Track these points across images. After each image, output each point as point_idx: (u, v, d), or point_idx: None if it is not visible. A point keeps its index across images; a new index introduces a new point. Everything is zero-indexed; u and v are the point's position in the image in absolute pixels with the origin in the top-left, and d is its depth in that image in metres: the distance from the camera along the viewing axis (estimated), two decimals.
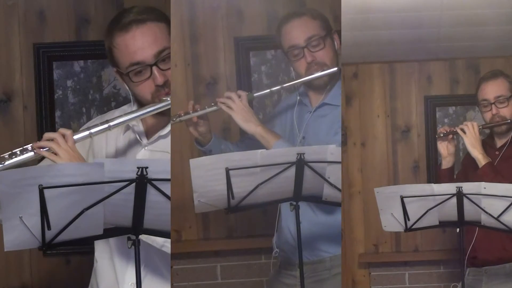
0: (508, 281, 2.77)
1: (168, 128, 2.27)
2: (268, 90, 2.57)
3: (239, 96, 2.47)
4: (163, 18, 2.20)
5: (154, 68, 2.13)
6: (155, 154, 2.24)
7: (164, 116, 2.26)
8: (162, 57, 2.14)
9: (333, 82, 2.57)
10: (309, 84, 2.59)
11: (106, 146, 2.30)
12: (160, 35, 2.16)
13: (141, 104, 2.22)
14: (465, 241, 2.65)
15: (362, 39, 3.50)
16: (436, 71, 3.93)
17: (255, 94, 2.54)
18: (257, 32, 3.61)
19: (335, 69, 2.52)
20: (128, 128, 2.28)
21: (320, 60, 2.51)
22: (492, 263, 2.79)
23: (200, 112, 2.49)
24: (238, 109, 2.46)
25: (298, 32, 2.52)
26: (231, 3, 3.61)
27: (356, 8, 3.07)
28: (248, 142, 2.67)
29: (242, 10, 3.62)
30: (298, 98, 2.65)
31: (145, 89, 2.17)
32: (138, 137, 2.26)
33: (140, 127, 2.27)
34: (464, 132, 2.80)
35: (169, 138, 2.27)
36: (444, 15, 3.20)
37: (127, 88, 2.22)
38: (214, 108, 2.49)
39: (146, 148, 2.25)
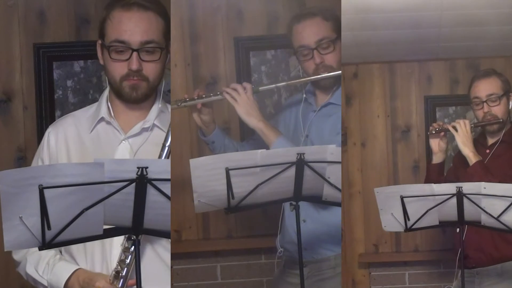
0: (500, 281, 2.77)
1: (150, 121, 2.28)
2: (273, 85, 2.60)
3: (245, 88, 2.49)
4: (164, 14, 2.25)
5: (135, 53, 2.17)
6: (143, 147, 2.26)
7: (140, 110, 2.28)
8: (146, 48, 2.19)
9: (340, 83, 2.59)
10: (316, 84, 2.61)
11: (68, 151, 2.30)
12: (155, 28, 2.21)
13: (111, 85, 2.26)
14: (457, 241, 2.66)
15: (362, 39, 3.50)
16: (436, 71, 3.93)
17: (260, 88, 2.56)
18: (257, 32, 3.61)
19: (339, 72, 2.53)
20: (94, 126, 2.30)
21: (328, 62, 2.53)
22: (484, 263, 2.79)
23: (205, 99, 2.52)
24: (242, 101, 2.48)
25: (310, 33, 2.53)
26: (231, 3, 3.61)
27: (356, 8, 3.06)
28: (252, 143, 2.68)
29: (242, 10, 3.62)
30: (304, 96, 2.67)
31: (117, 69, 2.21)
32: (117, 130, 2.28)
33: (114, 121, 2.29)
34: (456, 130, 2.80)
35: (156, 131, 2.29)
36: (444, 15, 3.20)
37: (102, 62, 2.27)
38: (219, 97, 2.52)
39: (126, 140, 2.26)
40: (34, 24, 3.37)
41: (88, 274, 2.20)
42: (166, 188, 1.84)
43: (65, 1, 3.38)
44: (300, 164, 2.14)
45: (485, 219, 2.35)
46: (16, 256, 2.31)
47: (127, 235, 1.98)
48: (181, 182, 2.98)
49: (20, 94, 3.37)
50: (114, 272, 2.13)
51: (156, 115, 2.29)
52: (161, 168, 1.83)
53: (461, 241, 2.46)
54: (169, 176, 1.83)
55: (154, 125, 2.29)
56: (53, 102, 3.38)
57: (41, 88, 3.36)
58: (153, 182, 1.82)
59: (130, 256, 2.11)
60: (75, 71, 3.41)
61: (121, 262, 2.12)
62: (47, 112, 3.35)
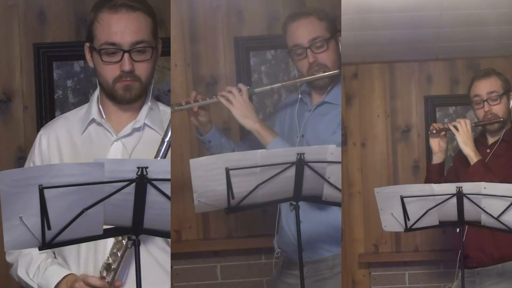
0: (500, 281, 2.77)
1: (141, 121, 2.28)
2: (269, 87, 2.61)
3: (240, 90, 2.49)
4: (152, 13, 2.24)
5: (126, 54, 2.17)
6: (136, 147, 2.25)
7: (131, 111, 2.28)
8: (137, 48, 2.18)
9: (335, 82, 2.59)
10: (311, 84, 2.61)
11: (60, 153, 2.30)
12: (144, 27, 2.20)
13: (102, 87, 2.25)
14: (457, 241, 2.66)
15: (362, 39, 3.50)
16: (436, 71, 3.93)
17: (255, 90, 2.57)
18: (257, 32, 3.61)
19: (337, 71, 2.54)
20: (86, 128, 2.29)
21: (322, 61, 2.54)
22: (484, 263, 2.79)
23: (201, 103, 2.53)
24: (237, 104, 2.48)
25: (303, 32, 2.54)
26: (231, 3, 3.61)
27: (356, 8, 3.07)
28: (249, 143, 2.68)
29: (242, 10, 3.62)
30: (299, 96, 2.67)
31: (110, 71, 2.21)
32: (108, 131, 2.27)
33: (105, 122, 2.28)
34: (457, 129, 2.81)
35: (147, 130, 2.28)
36: (444, 15, 3.20)
37: (93, 65, 2.27)
38: (215, 100, 2.52)
39: (118, 141, 2.26)
40: (34, 24, 3.37)
41: (77, 277, 2.19)
42: (166, 188, 1.84)
43: (65, 1, 3.37)
44: (300, 164, 2.14)
45: (485, 219, 2.35)
46: (9, 258, 2.31)
47: (126, 236, 1.97)
48: (181, 182, 2.99)
49: (20, 94, 3.37)
50: (105, 264, 2.13)
51: (146, 114, 2.29)
52: (161, 168, 1.83)
53: (461, 241, 2.47)
54: (169, 176, 1.83)
55: (145, 125, 2.29)
56: (53, 102, 3.38)
57: (41, 88, 3.35)
58: (153, 182, 1.82)
59: (122, 249, 2.11)
60: (75, 71, 3.41)
61: (112, 254, 2.12)
62: (47, 112, 3.35)
